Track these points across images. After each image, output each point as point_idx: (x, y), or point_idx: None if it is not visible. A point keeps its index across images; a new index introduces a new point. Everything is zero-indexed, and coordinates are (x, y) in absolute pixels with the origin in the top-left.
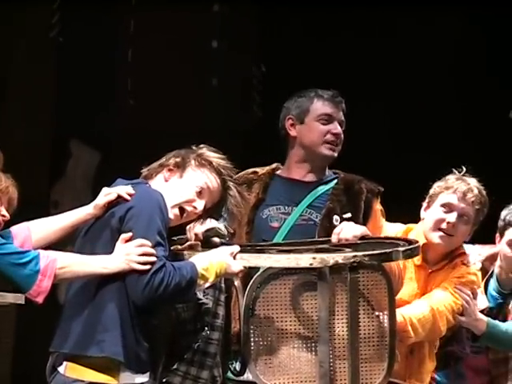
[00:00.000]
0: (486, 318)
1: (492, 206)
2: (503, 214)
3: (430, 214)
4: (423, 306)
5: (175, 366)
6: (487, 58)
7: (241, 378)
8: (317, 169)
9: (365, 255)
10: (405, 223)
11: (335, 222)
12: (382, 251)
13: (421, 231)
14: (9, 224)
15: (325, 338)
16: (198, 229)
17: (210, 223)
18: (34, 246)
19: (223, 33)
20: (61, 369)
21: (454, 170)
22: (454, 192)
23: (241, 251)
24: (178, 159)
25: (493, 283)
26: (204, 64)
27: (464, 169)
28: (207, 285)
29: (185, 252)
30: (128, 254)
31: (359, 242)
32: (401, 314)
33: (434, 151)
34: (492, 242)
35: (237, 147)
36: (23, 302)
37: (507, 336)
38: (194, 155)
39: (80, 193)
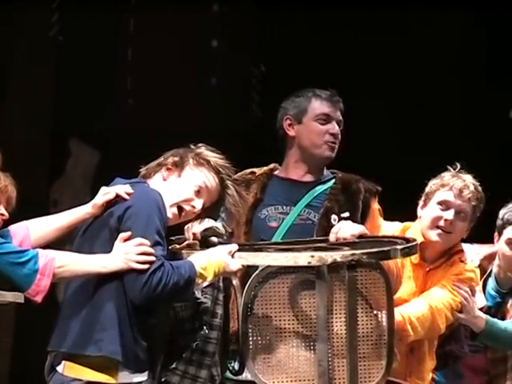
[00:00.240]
0: (484, 316)
1: (491, 205)
2: (502, 213)
3: (427, 211)
4: (422, 304)
5: (174, 365)
6: (488, 57)
7: (239, 377)
8: (315, 169)
9: (363, 253)
10: (402, 222)
11: (333, 222)
12: (380, 249)
13: (418, 229)
14: (8, 223)
15: (323, 337)
16: (196, 228)
17: (208, 223)
18: (32, 244)
19: (223, 33)
20: (59, 368)
21: (449, 167)
22: (450, 189)
23: (239, 250)
24: (176, 158)
25: (491, 282)
26: (203, 64)
27: (458, 165)
28: (205, 284)
29: (183, 251)
30: (127, 253)
31: (357, 240)
32: (399, 312)
33: (433, 150)
34: (490, 241)
35: (236, 147)
36: (22, 301)
37: (506, 334)
38: (193, 154)
39: (79, 192)
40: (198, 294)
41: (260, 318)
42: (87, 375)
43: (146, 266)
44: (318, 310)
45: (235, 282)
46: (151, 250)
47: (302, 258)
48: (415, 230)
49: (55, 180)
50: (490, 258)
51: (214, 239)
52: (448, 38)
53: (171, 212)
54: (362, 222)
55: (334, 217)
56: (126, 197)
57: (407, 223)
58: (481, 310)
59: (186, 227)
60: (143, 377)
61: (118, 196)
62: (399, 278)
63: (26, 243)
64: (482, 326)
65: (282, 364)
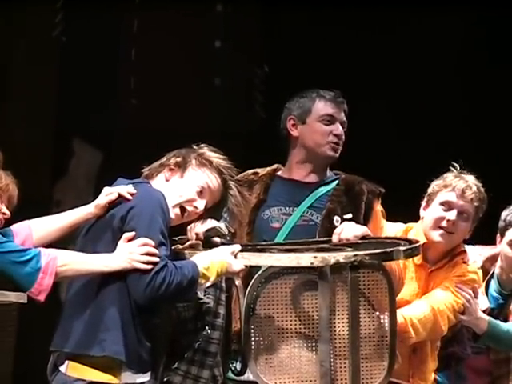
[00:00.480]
0: (487, 317)
1: (493, 207)
2: (504, 214)
3: (430, 212)
4: (424, 305)
5: (176, 365)
6: (490, 56)
7: (241, 378)
8: (318, 169)
9: (366, 254)
10: (405, 223)
11: (336, 223)
12: (383, 250)
13: (420, 230)
14: (10, 222)
15: (325, 338)
16: (198, 228)
17: (211, 223)
18: (34, 244)
19: (226, 33)
20: (62, 368)
21: (452, 168)
22: (452, 190)
23: (242, 250)
24: (178, 159)
25: (493, 284)
26: (207, 64)
27: (459, 165)
28: (208, 284)
29: (186, 251)
30: (131, 252)
31: (360, 241)
32: (401, 314)
33: (435, 151)
34: (492, 242)
35: (239, 147)
36: (25, 301)
37: (508, 336)
38: (195, 155)
39: (82, 192)
40: (200, 294)
41: (262, 318)
42: (90, 375)
43: (149, 266)
44: (320, 310)
45: (238, 282)
46: (155, 251)
47: (305, 259)
48: (418, 231)
49: (58, 180)
50: (493, 259)
51: (217, 239)
52: (449, 37)
53: (174, 212)
54: (365, 223)
55: (336, 218)
56: (129, 197)
57: (410, 224)
58: (484, 312)
59: (188, 227)
60: (146, 377)
61: (120, 196)
62: (401, 279)
63: (28, 243)
64: (485, 327)
65: (284, 364)
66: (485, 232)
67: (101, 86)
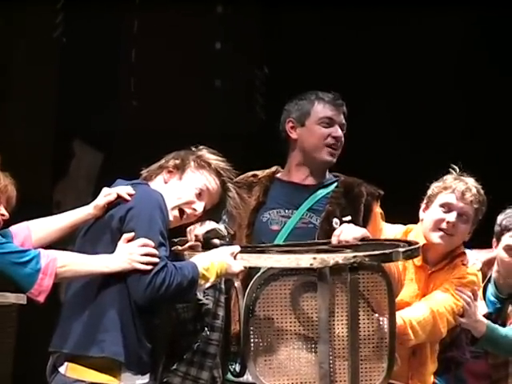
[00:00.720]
0: (486, 321)
1: (490, 210)
2: (499, 218)
3: (429, 214)
4: (423, 308)
5: (175, 367)
6: (490, 56)
7: (240, 380)
8: (316, 172)
9: (365, 256)
10: (405, 224)
11: (335, 225)
12: (382, 252)
13: (420, 232)
14: (10, 223)
15: (325, 339)
16: (198, 230)
17: (210, 224)
18: (34, 245)
19: (226, 34)
20: (61, 369)
21: (452, 170)
22: (452, 192)
23: (241, 252)
24: (177, 161)
25: (490, 288)
26: (207, 65)
27: (459, 167)
28: (208, 285)
29: (185, 252)
30: (131, 253)
31: (359, 243)
32: (400, 316)
33: (435, 153)
34: (488, 246)
35: (239, 149)
36: (25, 303)
37: (506, 340)
38: (194, 157)
39: (82, 193)
40: (199, 295)
41: (261, 319)
42: (90, 376)
43: (149, 267)
44: (319, 312)
45: (237, 283)
46: (155, 251)
47: (304, 260)
48: (417, 233)
49: (58, 181)
50: (489, 263)
51: (216, 241)
52: (449, 38)
53: (172, 214)
54: (364, 225)
55: (335, 220)
56: (128, 198)
57: (409, 226)
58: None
59: (188, 229)
60: (145, 379)
61: (119, 197)
62: (400, 281)
63: (27, 244)
64: (483, 330)
65: (284, 366)
66: (483, 235)
67: (101, 86)
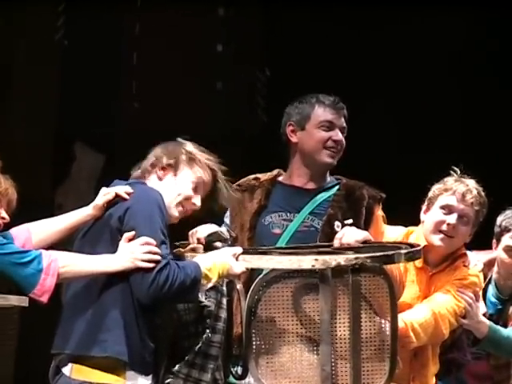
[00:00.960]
0: (488, 322)
1: (491, 212)
2: (499, 219)
3: (430, 216)
4: (425, 310)
5: (177, 368)
6: (489, 57)
7: (242, 382)
8: (317, 175)
9: (367, 257)
10: (406, 226)
11: (336, 228)
12: (384, 253)
13: (421, 234)
14: (11, 225)
15: (327, 341)
16: (200, 233)
17: (212, 227)
18: (34, 247)
19: (228, 37)
20: (66, 371)
21: (452, 172)
22: (453, 194)
23: (243, 253)
24: (170, 159)
25: (491, 289)
26: (208, 68)
27: (460, 170)
28: (210, 285)
29: (186, 254)
30: (133, 252)
31: (361, 245)
32: (402, 319)
33: (435, 154)
34: (488, 247)
35: (241, 151)
36: (27, 305)
37: (508, 341)
38: (184, 151)
39: (84, 195)
40: (201, 297)
41: (263, 322)
42: (95, 377)
43: (152, 265)
44: (321, 314)
45: (239, 286)
46: (157, 249)
47: (306, 261)
48: (418, 235)
49: (60, 183)
50: (490, 264)
51: (218, 244)
52: (450, 38)
53: (177, 210)
54: (366, 228)
55: (337, 223)
56: (126, 196)
57: (411, 228)
58: (483, 315)
59: (190, 233)
60: (148, 379)
61: (117, 196)
62: (402, 283)
63: (27, 246)
64: (485, 331)
65: (285, 368)
66: (484, 237)
67: (102, 88)
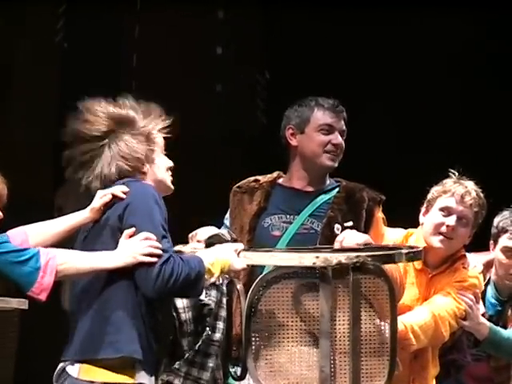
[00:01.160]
0: (488, 323)
1: (488, 213)
2: (496, 220)
3: (429, 218)
4: (424, 312)
5: (176, 367)
6: (488, 58)
7: (242, 383)
8: (317, 178)
9: (368, 256)
10: (405, 228)
11: (336, 231)
12: (385, 252)
13: (421, 236)
14: (8, 227)
15: (326, 342)
16: (200, 236)
17: (213, 230)
18: None
19: (228, 39)
20: (73, 372)
21: (451, 174)
22: (452, 195)
23: (244, 250)
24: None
25: (490, 290)
26: (208, 70)
27: (459, 171)
28: (212, 280)
29: (187, 253)
30: (133, 247)
31: (362, 247)
32: (402, 321)
33: (434, 155)
34: (486, 248)
35: (241, 153)
36: (27, 308)
37: (509, 343)
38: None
39: (84, 197)
40: (201, 295)
41: (263, 322)
42: (105, 377)
43: (155, 259)
44: (321, 314)
45: (239, 286)
46: (158, 244)
47: (307, 259)
48: (418, 237)
49: (60, 186)
50: (488, 265)
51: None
52: (450, 40)
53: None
54: (366, 230)
55: (337, 226)
56: (123, 196)
57: (410, 230)
58: (482, 316)
59: (190, 235)
60: (153, 377)
61: (114, 197)
62: (402, 286)
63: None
64: (486, 333)
65: (284, 369)
66: (483, 238)
67: (102, 90)
